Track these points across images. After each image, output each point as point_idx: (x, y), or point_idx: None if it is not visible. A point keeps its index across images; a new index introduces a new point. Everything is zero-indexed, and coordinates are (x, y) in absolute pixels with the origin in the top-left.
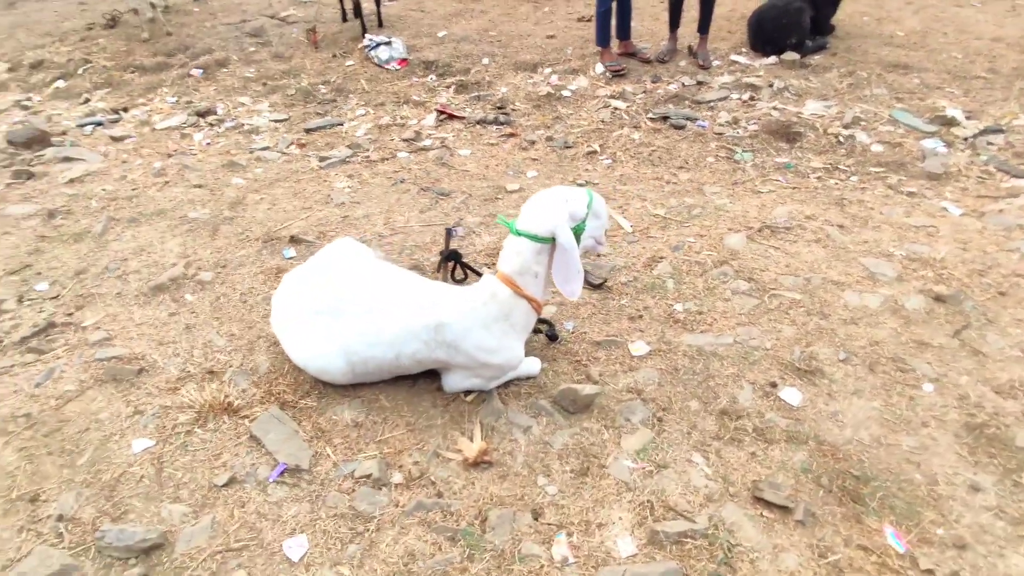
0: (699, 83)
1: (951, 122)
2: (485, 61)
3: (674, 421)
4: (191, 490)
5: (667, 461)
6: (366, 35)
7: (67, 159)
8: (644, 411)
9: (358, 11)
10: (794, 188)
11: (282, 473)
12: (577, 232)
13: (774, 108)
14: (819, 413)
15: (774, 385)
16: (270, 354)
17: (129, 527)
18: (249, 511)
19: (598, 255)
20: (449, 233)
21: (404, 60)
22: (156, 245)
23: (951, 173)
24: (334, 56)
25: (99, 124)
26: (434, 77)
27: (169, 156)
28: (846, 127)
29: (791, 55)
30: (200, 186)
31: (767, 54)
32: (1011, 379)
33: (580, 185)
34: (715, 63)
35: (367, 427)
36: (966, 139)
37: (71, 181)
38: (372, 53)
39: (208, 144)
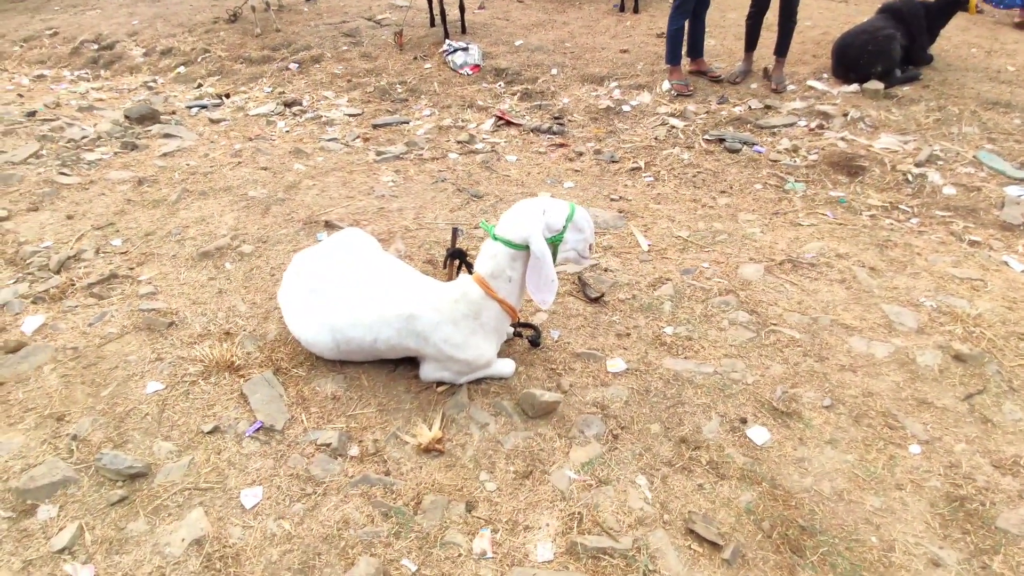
0: (767, 107)
1: None
2: (554, 71)
3: (629, 440)
4: (182, 432)
5: (610, 478)
6: (447, 40)
7: (168, 136)
8: (601, 426)
9: (443, 16)
10: (839, 224)
11: (258, 430)
12: (555, 243)
13: (842, 139)
14: (783, 456)
15: (744, 421)
16: (279, 324)
17: (123, 454)
18: (223, 458)
19: (590, 268)
20: (455, 233)
21: (477, 66)
22: (215, 217)
23: None
24: (415, 58)
25: (204, 107)
26: (502, 84)
27: (250, 140)
28: (919, 165)
29: (875, 84)
30: (266, 168)
31: (849, 82)
32: (1018, 455)
33: (613, 200)
34: (790, 87)
35: (343, 401)
36: None
37: (164, 155)
38: (449, 58)
39: (287, 132)
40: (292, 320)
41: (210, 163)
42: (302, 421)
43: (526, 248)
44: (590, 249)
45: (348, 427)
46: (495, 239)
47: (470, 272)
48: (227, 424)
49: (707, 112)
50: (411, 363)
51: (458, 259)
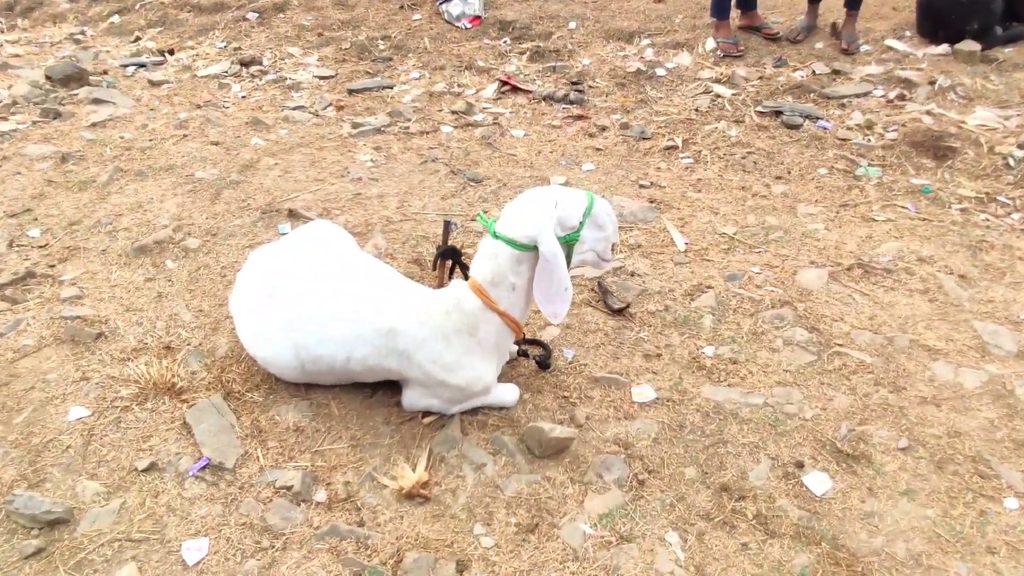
0: (835, 72)
1: None
2: (572, 25)
3: (658, 487)
4: (111, 469)
5: (633, 534)
6: None
7: (98, 101)
8: (624, 469)
9: None
10: (922, 220)
11: (203, 468)
12: (570, 242)
13: (927, 112)
14: (848, 511)
15: (800, 465)
16: (231, 337)
17: (40, 496)
18: (160, 502)
19: (612, 272)
20: (448, 227)
21: (477, 18)
22: (154, 203)
23: None
24: (401, 7)
25: (142, 66)
26: (508, 40)
27: (198, 107)
28: (1022, 147)
29: (970, 45)
30: (217, 143)
31: (937, 41)
32: None
33: (643, 187)
34: (863, 48)
35: (308, 434)
36: None
37: (94, 125)
38: (443, 7)
39: (244, 97)
40: (247, 333)
41: (149, 136)
42: (258, 458)
43: (534, 248)
44: (613, 250)
45: (314, 466)
46: (496, 237)
47: (465, 276)
48: (166, 460)
49: (760, 78)
50: (392, 388)
51: (451, 260)
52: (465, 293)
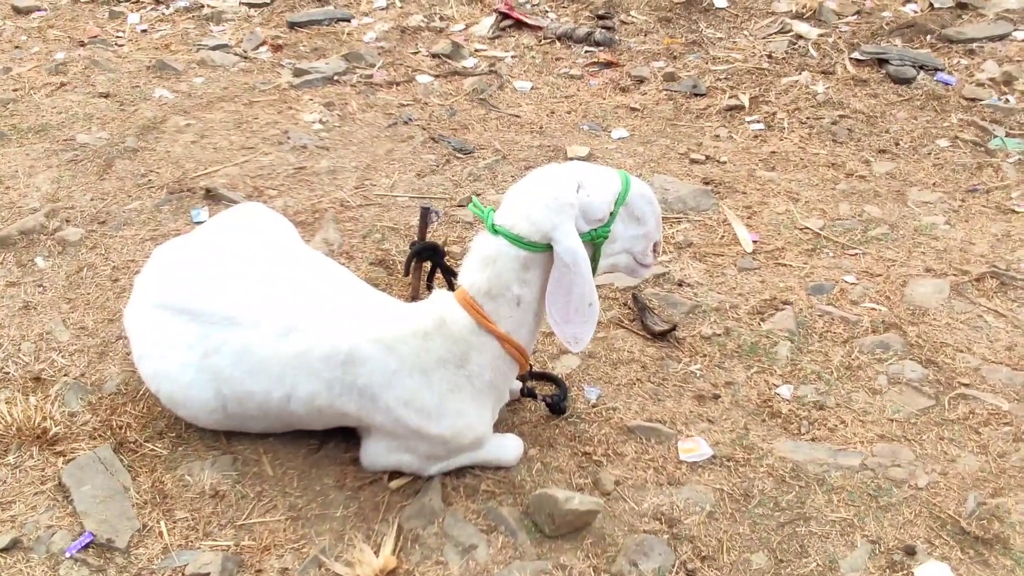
0: (961, 6)
1: None
2: None
3: None
4: None
5: None
6: None
7: None
8: (668, 555)
9: None
10: None
11: (86, 547)
12: (596, 241)
13: None
14: None
15: (911, 552)
16: (126, 365)
17: None
18: None
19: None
20: (426, 215)
21: None
22: (19, 178)
23: None
24: None
25: None
26: None
27: (82, 45)
28: None
29: None
30: (107, 95)
31: None
32: None
33: (695, 162)
34: None
35: (230, 501)
36: None
37: None
38: None
39: (144, 31)
40: (148, 361)
41: (13, 83)
42: (161, 534)
43: (548, 249)
44: (655, 250)
45: (239, 545)
46: (495, 232)
47: (451, 285)
48: (34, 535)
49: (858, 13)
50: (347, 437)
51: (431, 261)
52: (452, 309)
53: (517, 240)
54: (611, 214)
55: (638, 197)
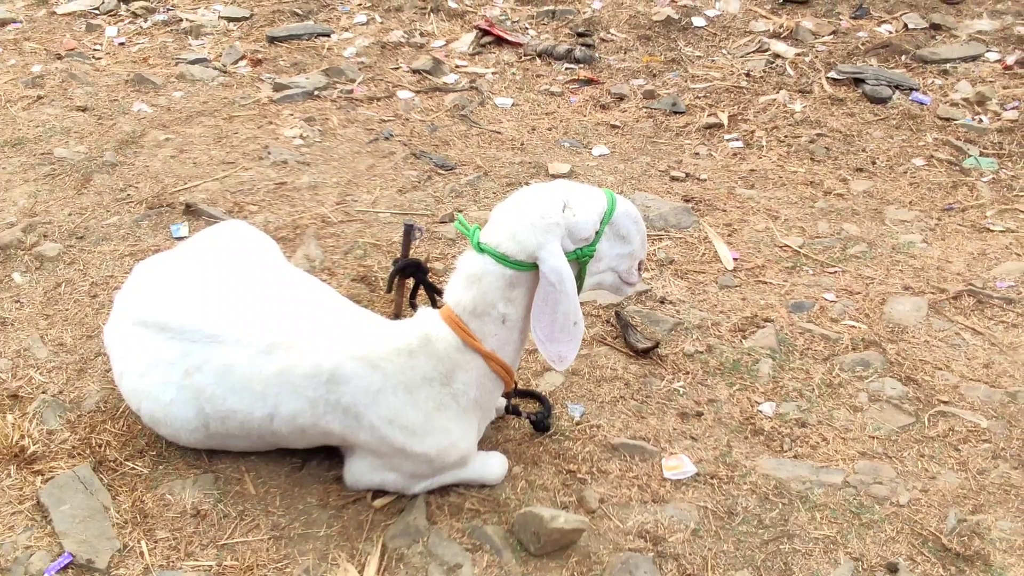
0: (934, 28)
1: None
2: None
3: None
4: None
5: None
6: None
7: None
8: (654, 574)
9: None
10: None
11: (65, 568)
12: (582, 259)
13: None
14: None
15: (894, 570)
16: (105, 383)
17: None
18: None
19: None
20: (409, 232)
21: None
22: None
23: None
24: None
25: None
26: None
27: (59, 58)
28: None
29: None
30: (85, 109)
31: None
32: None
33: (676, 179)
34: None
35: (212, 520)
36: None
37: None
38: None
39: (122, 44)
40: (129, 378)
41: None
42: (142, 554)
43: (533, 267)
44: (639, 269)
45: (221, 566)
46: (480, 250)
47: (434, 302)
48: (12, 556)
49: (834, 33)
50: (329, 456)
51: (413, 277)
52: (437, 327)
53: (503, 259)
54: (597, 233)
55: (624, 216)
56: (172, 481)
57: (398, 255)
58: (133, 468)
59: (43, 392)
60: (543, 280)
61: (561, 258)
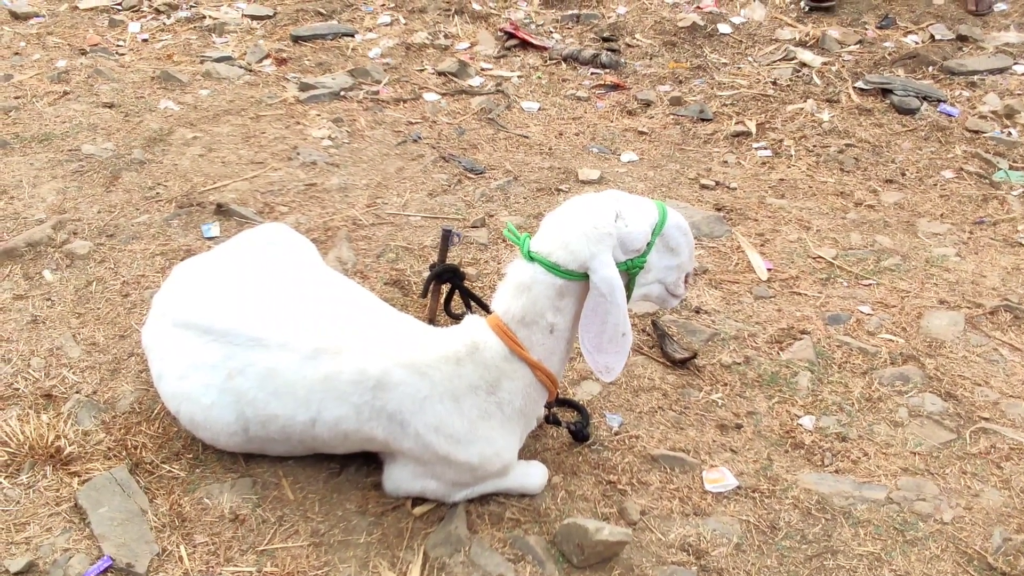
0: (961, 39)
1: None
2: None
3: None
4: None
5: None
6: None
7: None
8: None
9: None
10: None
11: (105, 571)
12: (631, 270)
13: None
14: None
15: None
16: (139, 383)
17: None
18: None
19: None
20: (447, 237)
21: None
22: (24, 187)
23: None
24: None
25: None
26: None
27: (83, 53)
28: None
29: None
30: (112, 106)
31: None
32: None
33: (706, 187)
34: (998, 7)
35: (251, 526)
36: None
37: None
38: None
39: (145, 40)
40: (168, 380)
41: (15, 91)
42: (181, 558)
43: (584, 277)
44: (686, 281)
45: (261, 572)
46: (530, 259)
47: (467, 306)
48: (50, 559)
49: (860, 43)
50: (367, 461)
51: (450, 283)
52: (484, 335)
53: (554, 268)
54: (648, 244)
55: (674, 228)
56: (209, 485)
57: (431, 259)
58: (170, 471)
59: (77, 392)
60: (593, 290)
61: (613, 269)
